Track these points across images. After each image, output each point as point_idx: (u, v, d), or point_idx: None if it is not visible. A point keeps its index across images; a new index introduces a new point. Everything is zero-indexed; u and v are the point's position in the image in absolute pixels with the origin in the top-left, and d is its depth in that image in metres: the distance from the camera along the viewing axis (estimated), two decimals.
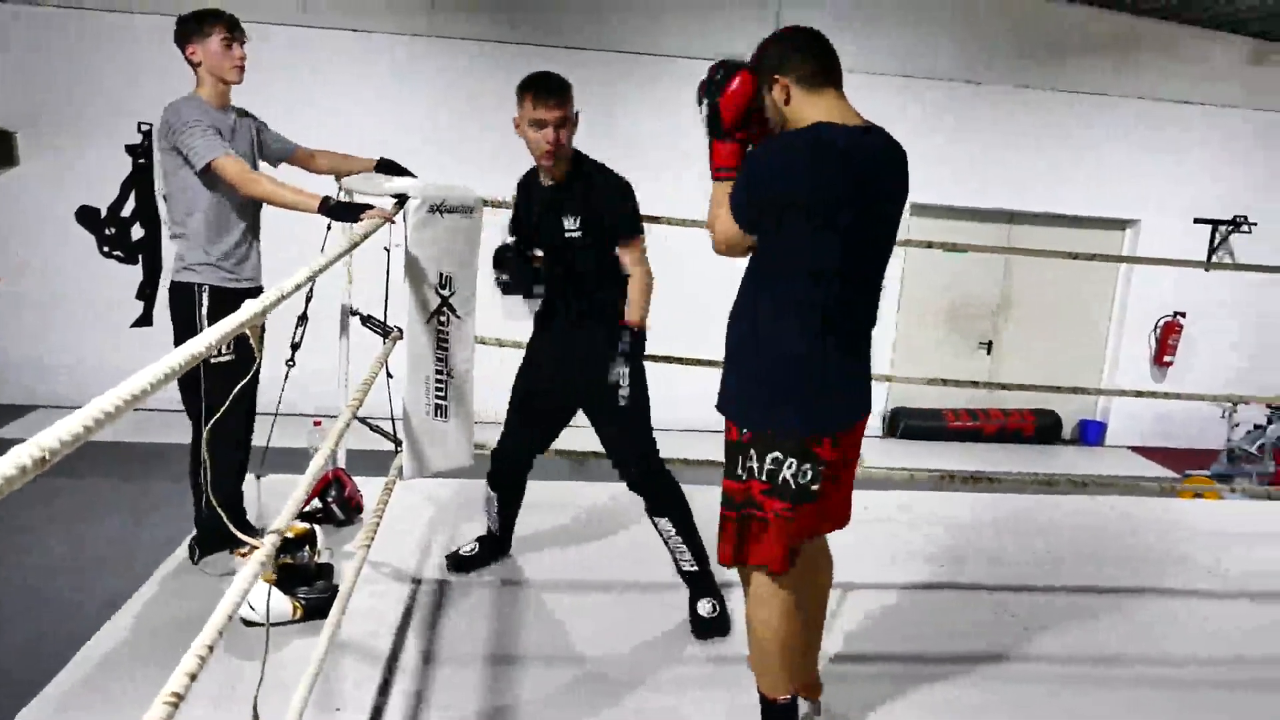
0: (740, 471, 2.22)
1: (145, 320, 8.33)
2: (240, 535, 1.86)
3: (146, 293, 8.29)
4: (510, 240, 3.31)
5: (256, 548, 1.83)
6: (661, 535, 3.12)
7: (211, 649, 1.52)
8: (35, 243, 8.37)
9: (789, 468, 2.15)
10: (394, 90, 8.43)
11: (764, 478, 2.18)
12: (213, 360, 3.18)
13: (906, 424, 9.62)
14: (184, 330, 3.31)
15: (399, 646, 2.86)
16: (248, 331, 1.89)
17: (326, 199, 3.02)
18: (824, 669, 2.82)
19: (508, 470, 3.39)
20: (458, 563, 3.40)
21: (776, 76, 2.16)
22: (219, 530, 3.25)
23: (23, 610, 4.62)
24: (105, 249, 8.40)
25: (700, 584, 3.11)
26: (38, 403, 8.38)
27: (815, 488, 2.17)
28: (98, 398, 1.10)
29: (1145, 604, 3.52)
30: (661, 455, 3.14)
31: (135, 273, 8.35)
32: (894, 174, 2.19)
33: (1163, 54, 9.24)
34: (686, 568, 3.11)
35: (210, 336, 1.52)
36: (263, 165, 3.50)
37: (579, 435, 3.57)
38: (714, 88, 2.21)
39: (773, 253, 2.18)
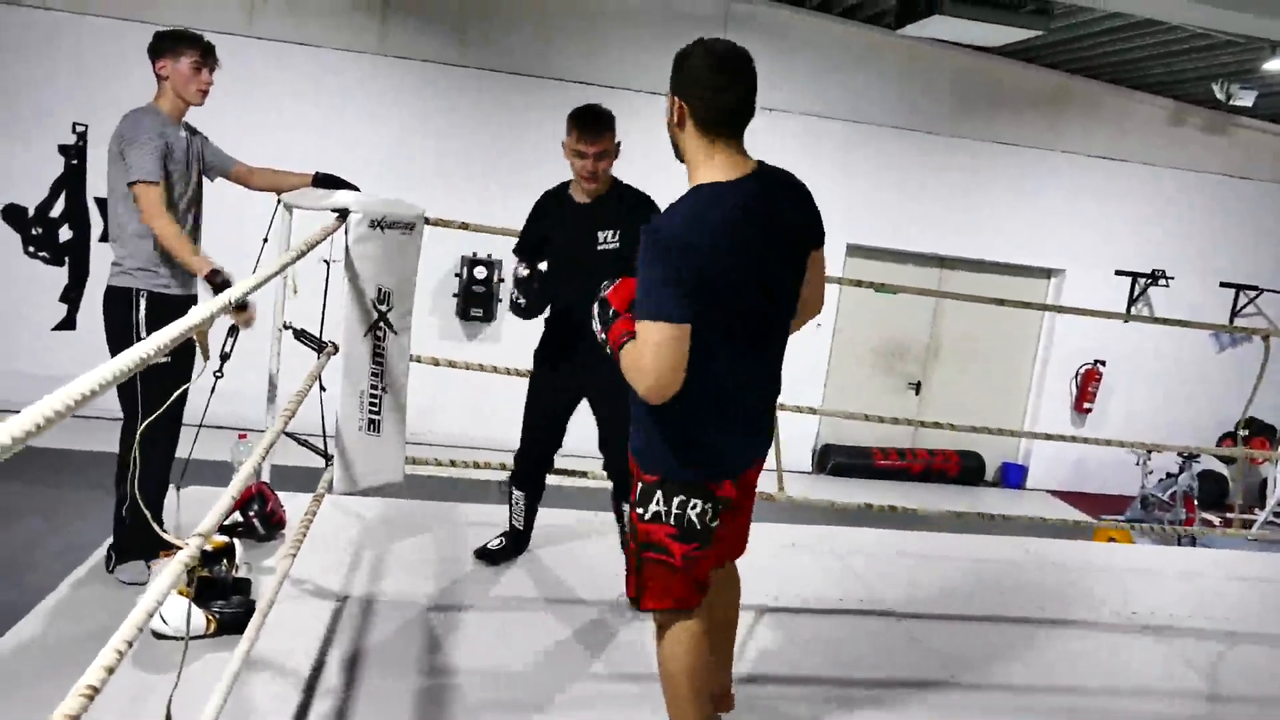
0: (647, 514, 2.21)
1: (69, 324, 8.13)
2: (166, 537, 1.84)
3: (71, 296, 8.09)
4: (522, 267, 3.41)
5: (181, 548, 1.81)
6: (621, 519, 3.47)
7: (114, 665, 1.49)
8: None
9: (693, 509, 2.18)
10: (342, 107, 8.38)
11: (671, 521, 2.19)
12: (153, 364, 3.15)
13: (835, 461, 9.76)
14: (119, 335, 3.27)
15: (320, 664, 2.82)
16: (195, 337, 1.88)
17: (217, 272, 3.06)
18: (739, 693, 2.86)
19: (531, 470, 3.64)
20: (487, 555, 3.64)
21: (676, 97, 2.12)
22: (138, 538, 3.19)
23: None
24: (31, 249, 8.19)
25: None
26: None
27: (714, 524, 2.22)
28: (41, 400, 1.08)
29: (1052, 638, 3.62)
30: None
31: (61, 275, 8.15)
32: (782, 216, 2.16)
33: (1091, 111, 9.62)
34: None
35: (158, 340, 1.51)
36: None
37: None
38: (604, 319, 2.19)
39: None
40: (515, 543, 3.72)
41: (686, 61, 2.13)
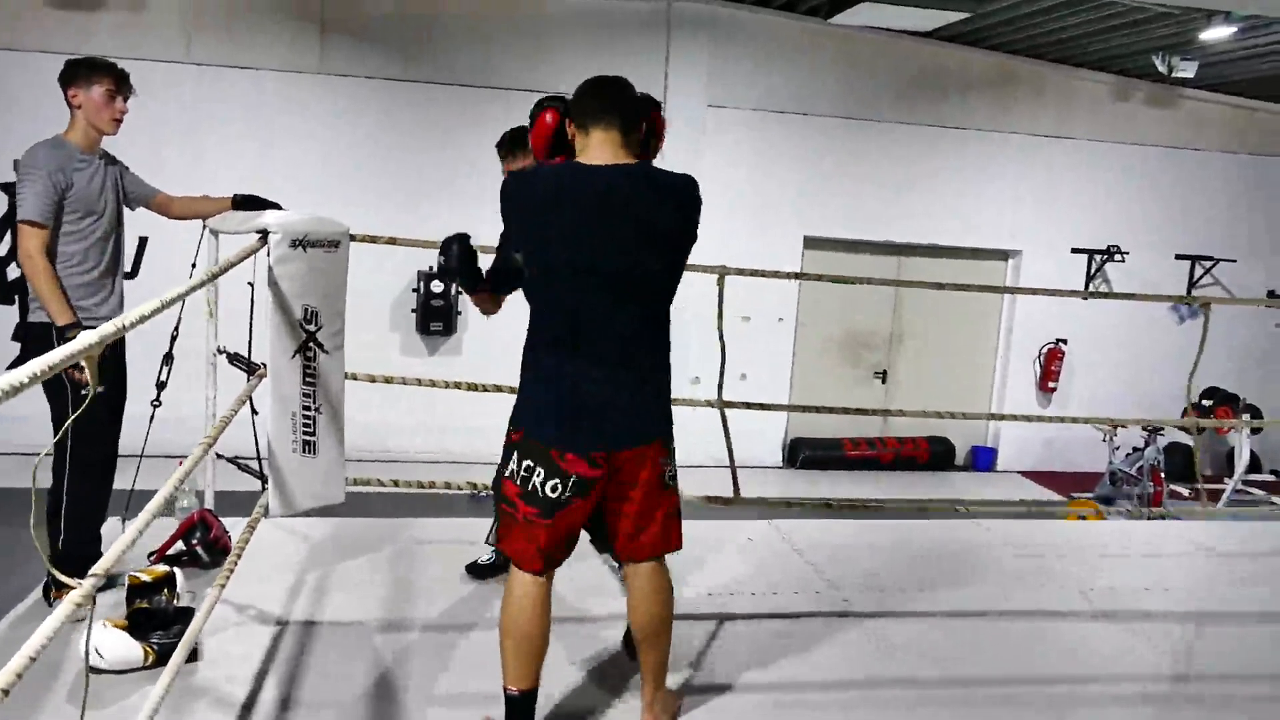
0: (504, 468, 2.47)
1: (21, 363, 8.02)
2: (59, 576, 1.80)
3: (21, 334, 7.98)
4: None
5: (73, 589, 1.77)
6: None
7: (6, 692, 1.46)
8: None
9: (538, 476, 2.38)
10: (285, 128, 8.33)
11: (518, 481, 2.41)
12: (83, 392, 3.12)
13: (806, 454, 9.78)
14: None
15: (256, 690, 2.78)
16: (83, 362, 1.84)
17: (72, 326, 3.02)
18: (699, 698, 2.85)
19: None
20: (477, 571, 3.60)
21: (570, 123, 2.48)
22: (72, 568, 3.14)
23: None
24: None
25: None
26: None
27: (558, 496, 2.37)
28: None
29: (1017, 625, 3.60)
30: None
31: (11, 313, 8.05)
32: (625, 206, 2.35)
33: (1037, 91, 9.70)
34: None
35: (34, 367, 1.48)
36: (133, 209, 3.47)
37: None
38: (530, 119, 2.62)
39: None
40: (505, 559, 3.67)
41: (574, 95, 2.49)
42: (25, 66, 7.61)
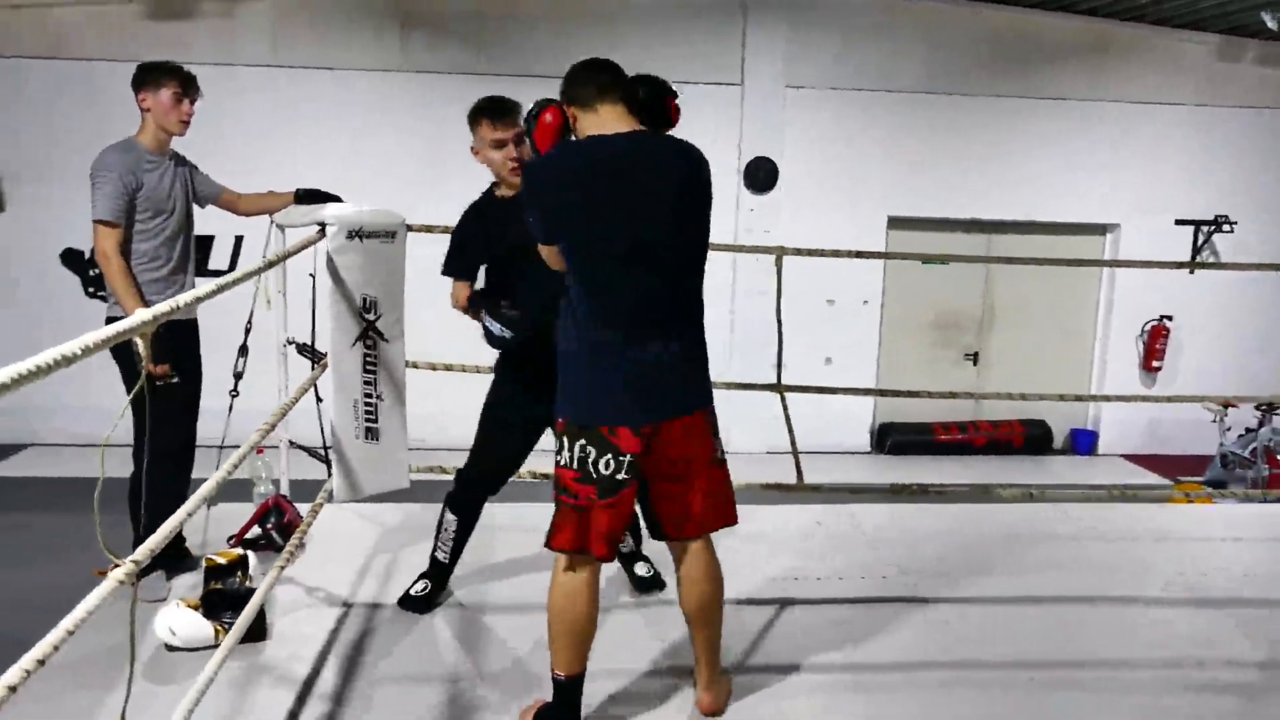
0: (559, 458, 2.44)
1: (111, 356, 8.44)
2: (107, 554, 1.89)
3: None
4: (505, 311, 3.05)
5: (118, 565, 1.86)
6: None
7: (41, 662, 1.54)
8: (25, 285, 8.50)
9: (591, 456, 2.37)
10: (368, 126, 8.54)
11: (574, 465, 2.39)
12: (159, 384, 3.27)
13: (894, 439, 9.58)
14: (122, 363, 3.38)
15: (319, 669, 2.87)
16: (137, 340, 1.92)
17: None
18: (756, 680, 2.83)
19: (475, 496, 3.29)
20: (413, 604, 3.26)
21: (565, 107, 2.46)
22: (158, 557, 3.29)
23: None
24: (90, 290, 8.54)
25: (634, 557, 3.42)
26: (27, 441, 8.47)
27: (613, 474, 2.36)
28: None
29: (1099, 610, 3.45)
30: None
31: (102, 309, 8.46)
32: (652, 170, 2.34)
33: (1133, 56, 9.26)
34: (624, 549, 3.34)
35: (87, 339, 1.56)
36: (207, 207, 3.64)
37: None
38: (530, 121, 2.55)
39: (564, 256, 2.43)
40: (440, 580, 3.32)
41: (565, 83, 2.47)
42: (127, 76, 7.97)
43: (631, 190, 2.31)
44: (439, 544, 3.31)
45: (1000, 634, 3.25)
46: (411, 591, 3.29)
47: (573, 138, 2.46)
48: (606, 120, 2.38)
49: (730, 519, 2.55)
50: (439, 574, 3.33)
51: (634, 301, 2.36)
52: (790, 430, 3.98)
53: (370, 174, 7.87)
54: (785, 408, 4.02)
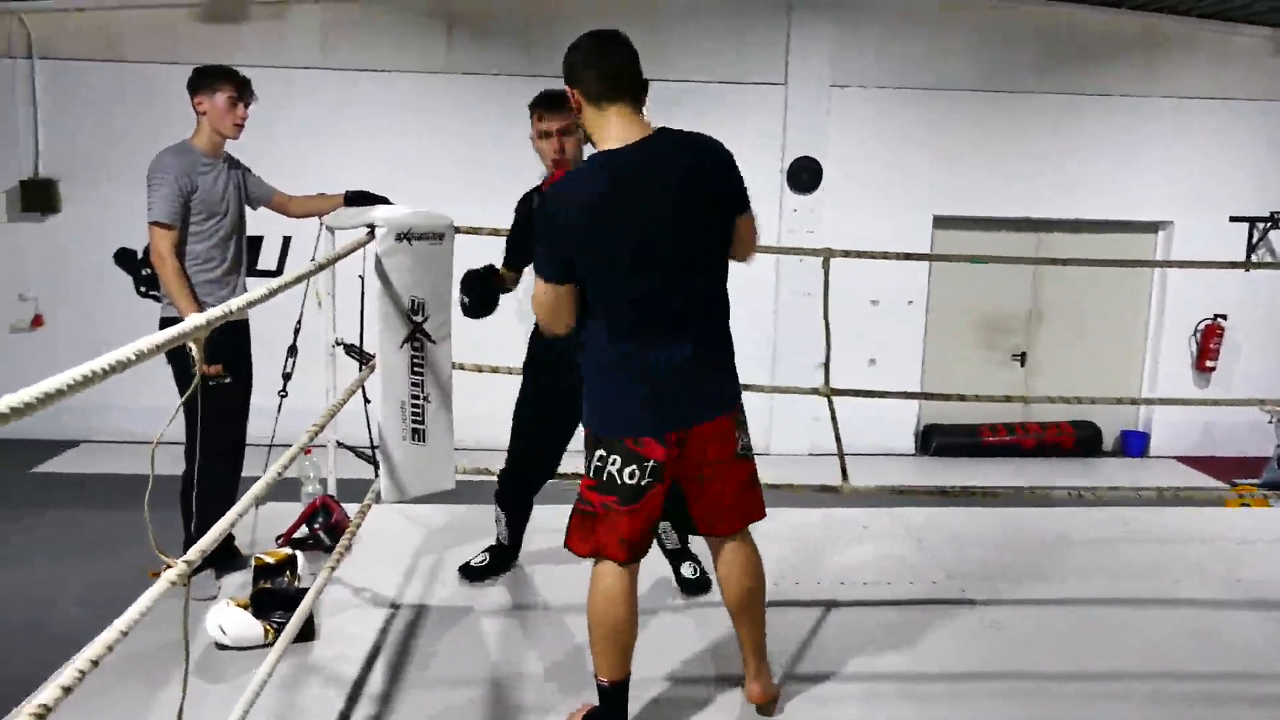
0: (587, 470, 2.43)
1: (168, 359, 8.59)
2: (159, 554, 1.91)
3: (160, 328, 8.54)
4: (484, 267, 3.34)
5: (171, 565, 1.88)
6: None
7: (95, 663, 1.57)
8: (78, 285, 8.68)
9: (613, 464, 2.34)
10: (414, 127, 8.60)
11: (591, 474, 2.39)
12: (211, 384, 3.32)
13: (939, 441, 9.47)
14: (176, 364, 3.43)
15: (367, 670, 2.89)
16: (191, 345, 1.95)
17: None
18: (801, 688, 2.80)
19: (518, 494, 3.50)
20: (469, 572, 3.50)
21: (568, 87, 2.36)
22: (208, 556, 3.34)
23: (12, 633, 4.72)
24: (142, 289, 8.70)
25: (681, 555, 3.43)
26: (80, 438, 8.65)
27: (637, 482, 2.33)
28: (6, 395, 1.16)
29: (1151, 614, 3.40)
30: None
31: (156, 309, 8.60)
32: (655, 173, 2.27)
33: (1185, 50, 9.06)
34: (670, 546, 3.40)
35: (142, 344, 1.59)
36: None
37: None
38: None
39: None
40: (500, 558, 3.55)
41: (566, 54, 2.36)
42: (180, 78, 8.10)
43: (635, 200, 2.27)
44: (498, 534, 3.56)
45: (1052, 640, 3.20)
46: (472, 561, 3.52)
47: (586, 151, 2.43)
48: (613, 124, 2.30)
49: (758, 513, 2.54)
50: (500, 552, 3.55)
51: (645, 308, 2.31)
52: (837, 433, 3.95)
53: (413, 175, 7.92)
54: (833, 412, 3.98)
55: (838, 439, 3.95)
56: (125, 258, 8.72)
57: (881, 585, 3.59)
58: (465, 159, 8.53)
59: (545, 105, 3.17)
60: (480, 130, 8.59)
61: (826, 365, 4.03)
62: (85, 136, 8.46)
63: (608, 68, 2.30)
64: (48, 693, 1.42)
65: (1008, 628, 3.27)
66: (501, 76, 8.55)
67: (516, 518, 3.53)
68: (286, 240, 8.46)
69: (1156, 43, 9.03)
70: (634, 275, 2.29)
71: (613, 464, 2.34)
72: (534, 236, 2.37)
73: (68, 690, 1.46)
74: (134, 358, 1.55)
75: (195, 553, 1.93)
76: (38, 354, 8.61)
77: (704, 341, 2.38)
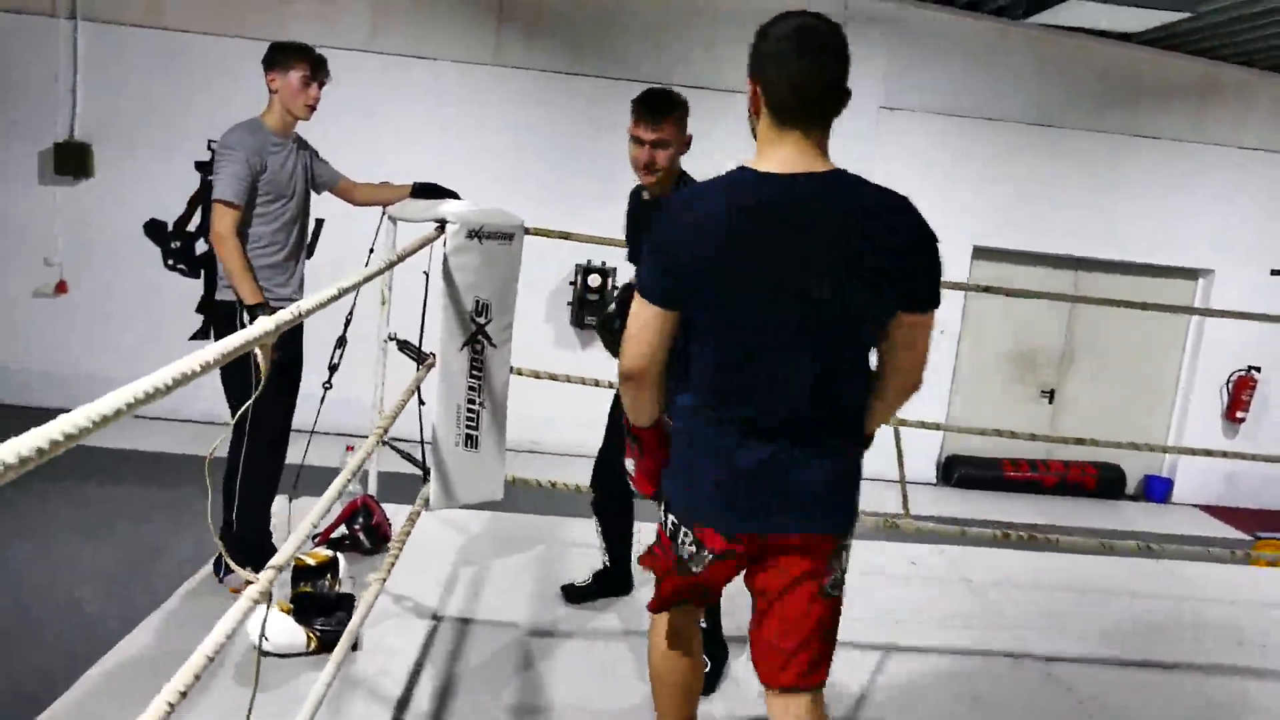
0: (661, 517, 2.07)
1: (204, 334, 8.48)
2: (236, 569, 1.80)
3: (207, 307, 8.42)
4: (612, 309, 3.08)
5: (252, 582, 1.76)
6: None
7: (184, 694, 1.45)
8: (104, 253, 8.55)
9: (681, 535, 1.96)
10: (459, 118, 8.48)
11: (668, 533, 2.00)
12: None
13: (961, 473, 9.34)
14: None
15: (411, 686, 2.77)
16: (257, 350, 1.83)
17: (261, 306, 3.06)
18: None
19: (609, 498, 3.34)
20: (570, 593, 3.42)
21: (749, 77, 1.85)
22: (245, 545, 3.23)
23: (48, 617, 4.61)
24: (170, 262, 8.58)
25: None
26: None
27: (695, 570, 1.95)
28: (89, 404, 1.10)
29: (1214, 682, 3.28)
30: None
31: (197, 286, 8.50)
32: (832, 229, 1.79)
33: (1241, 100, 8.94)
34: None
35: (219, 349, 1.47)
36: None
37: None
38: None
39: None
40: (603, 583, 3.42)
41: (758, 38, 1.84)
42: (226, 51, 8.01)
43: (783, 244, 1.77)
44: (601, 550, 3.44)
45: (1118, 702, 3.07)
46: (576, 582, 3.45)
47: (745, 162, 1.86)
48: (787, 148, 1.81)
49: (816, 675, 1.96)
50: (603, 576, 3.43)
51: (752, 376, 1.85)
52: (901, 463, 3.84)
53: (457, 167, 7.80)
54: (899, 442, 3.87)
55: (901, 470, 3.84)
56: (156, 229, 8.59)
57: (937, 629, 3.47)
58: (502, 155, 8.41)
59: (645, 110, 2.80)
60: (523, 126, 8.47)
61: None
62: (124, 102, 8.32)
63: (807, 80, 1.80)
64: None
65: (1070, 685, 3.16)
66: (548, 73, 8.44)
67: (610, 529, 3.37)
68: (319, 223, 8.33)
69: (1213, 90, 8.90)
70: (751, 332, 1.83)
71: (682, 534, 1.96)
72: (643, 236, 2.01)
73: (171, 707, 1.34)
74: (199, 369, 1.41)
75: (278, 560, 1.80)
76: (58, 321, 8.51)
77: (828, 443, 1.89)
